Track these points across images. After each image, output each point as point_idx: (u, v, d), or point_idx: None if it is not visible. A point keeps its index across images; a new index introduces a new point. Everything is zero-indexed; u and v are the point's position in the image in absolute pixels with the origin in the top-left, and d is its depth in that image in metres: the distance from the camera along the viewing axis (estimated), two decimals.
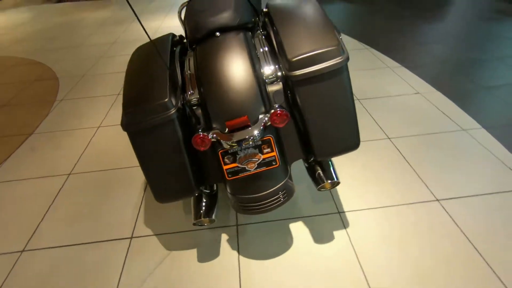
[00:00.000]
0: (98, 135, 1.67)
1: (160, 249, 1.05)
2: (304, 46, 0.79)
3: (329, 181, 0.87)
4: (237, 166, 0.79)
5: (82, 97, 2.08)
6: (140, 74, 0.88)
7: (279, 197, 0.83)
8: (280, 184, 0.82)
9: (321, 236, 1.05)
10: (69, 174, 1.41)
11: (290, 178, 0.87)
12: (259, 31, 0.99)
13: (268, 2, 1.06)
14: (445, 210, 1.11)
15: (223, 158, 0.78)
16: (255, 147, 0.78)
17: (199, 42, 0.89)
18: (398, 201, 1.16)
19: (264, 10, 1.03)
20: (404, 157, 1.36)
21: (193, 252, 1.03)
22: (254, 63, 0.82)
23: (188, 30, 0.94)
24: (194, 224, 0.88)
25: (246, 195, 0.82)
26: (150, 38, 0.76)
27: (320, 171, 0.90)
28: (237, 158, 0.78)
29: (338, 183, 0.89)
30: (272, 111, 0.75)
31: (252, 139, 0.75)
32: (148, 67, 0.89)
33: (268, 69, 0.85)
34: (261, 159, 0.79)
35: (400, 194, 1.19)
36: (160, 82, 0.82)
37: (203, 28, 0.87)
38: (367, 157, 1.38)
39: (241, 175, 0.80)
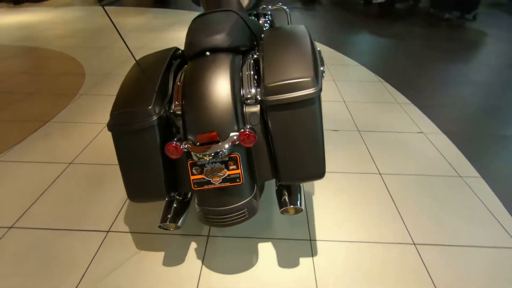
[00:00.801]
0: (105, 131, 1.78)
1: (131, 247, 1.10)
2: (281, 74, 0.83)
3: (292, 206, 0.89)
4: (203, 178, 0.83)
5: (101, 94, 2.23)
6: (135, 80, 0.96)
7: (239, 214, 0.86)
8: (242, 202, 0.85)
9: (287, 260, 1.06)
10: (70, 163, 1.52)
11: (256, 197, 0.90)
12: (251, 55, 1.04)
13: (266, 29, 1.13)
14: (420, 255, 1.07)
15: (191, 169, 0.83)
16: (222, 162, 0.82)
17: (191, 58, 0.96)
18: (373, 238, 1.14)
19: (262, 35, 1.10)
20: (391, 195, 1.34)
21: (161, 255, 1.07)
22: (234, 84, 0.87)
23: (184, 46, 1.02)
24: (159, 226, 0.93)
25: (209, 207, 0.86)
26: (132, 55, 0.84)
27: (286, 195, 0.92)
28: (204, 170, 0.83)
29: (300, 209, 0.91)
30: (242, 130, 0.79)
31: (220, 154, 0.79)
32: (142, 75, 0.97)
33: (249, 91, 0.90)
34: (226, 175, 0.82)
35: (377, 231, 1.17)
36: (149, 90, 0.89)
37: (195, 47, 0.94)
38: (353, 189, 1.37)
39: (206, 187, 0.83)
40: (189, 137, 0.84)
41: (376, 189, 1.37)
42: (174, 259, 1.06)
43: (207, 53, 0.93)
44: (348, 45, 3.45)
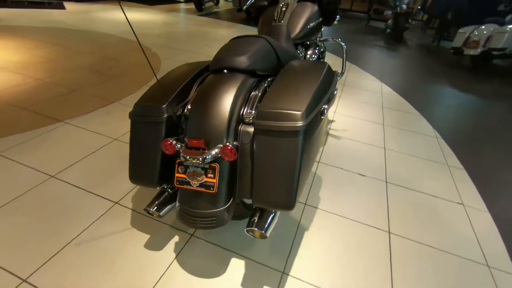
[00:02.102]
0: None
1: (126, 222, 1.24)
2: (276, 102, 0.87)
3: (257, 229, 0.90)
4: (185, 178, 0.91)
5: None
6: (167, 81, 1.11)
7: (208, 220, 0.91)
8: (213, 210, 0.90)
9: (251, 283, 1.05)
10: (115, 139, 1.78)
11: (228, 210, 0.94)
12: (269, 80, 1.10)
13: (293, 60, 1.18)
14: None
15: (177, 167, 0.92)
16: (203, 168, 0.89)
17: (212, 72, 1.07)
18: None
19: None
20: (391, 258, 1.22)
21: (145, 237, 1.18)
22: (235, 102, 0.94)
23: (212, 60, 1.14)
24: (144, 209, 1.04)
25: (184, 205, 0.94)
26: (145, 55, 0.98)
27: (257, 217, 0.93)
28: (187, 171, 0.91)
29: (265, 236, 0.91)
30: (225, 145, 0.85)
31: (201, 160, 0.87)
32: (174, 78, 1.11)
33: (249, 112, 0.96)
34: (203, 180, 0.89)
35: None
36: (170, 92, 1.03)
37: (216, 64, 1.04)
38: (352, 238, 1.28)
39: (185, 186, 0.91)
40: (185, 139, 0.94)
41: (377, 247, 1.26)
42: (154, 244, 1.16)
43: (225, 70, 1.03)
44: (417, 93, 3.22)
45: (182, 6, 7.29)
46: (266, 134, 0.86)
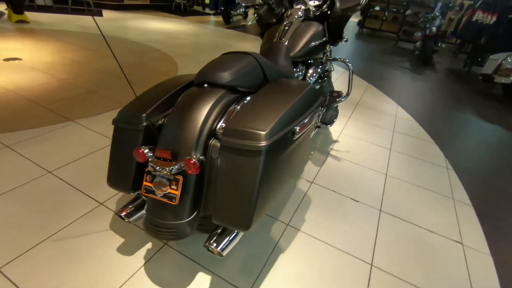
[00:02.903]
0: None
1: (106, 224, 1.27)
2: (244, 120, 0.87)
3: (213, 246, 0.89)
4: (151, 187, 0.93)
5: None
6: (154, 91, 1.15)
7: (168, 231, 0.91)
8: (174, 222, 0.91)
9: None
10: None
11: (191, 224, 0.93)
12: (250, 96, 1.10)
13: (278, 79, 1.18)
14: None
15: (146, 175, 0.94)
16: (168, 179, 0.90)
17: (195, 85, 1.09)
18: None
19: None
20: None
21: (120, 241, 1.20)
22: (208, 117, 0.95)
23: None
24: (115, 213, 1.06)
25: (149, 213, 0.95)
26: (120, 66, 1.02)
27: (216, 234, 0.92)
28: (154, 180, 0.93)
29: (220, 255, 0.89)
30: (188, 158, 0.86)
31: (166, 171, 0.88)
32: (161, 89, 1.15)
33: (222, 127, 0.96)
34: (166, 191, 0.90)
35: None
36: (153, 102, 1.06)
37: (199, 77, 1.06)
38: (330, 266, 1.22)
39: (150, 195, 0.93)
40: (157, 148, 0.96)
41: (355, 279, 1.19)
42: (127, 248, 1.17)
43: (206, 85, 1.05)
44: (435, 119, 3.07)
45: (212, 18, 7.57)
46: (230, 151, 0.85)
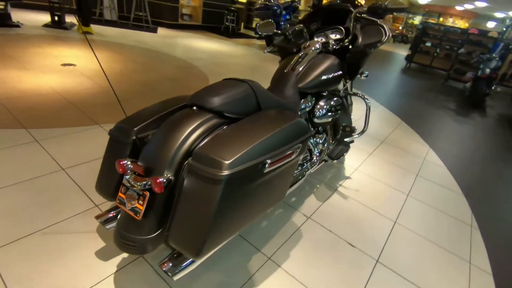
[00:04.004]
0: None
1: (93, 227, 1.34)
2: (215, 146, 0.88)
3: (167, 267, 0.88)
4: (123, 199, 0.97)
5: None
6: (151, 108, 1.21)
7: (130, 245, 0.93)
8: (136, 236, 0.92)
9: None
10: None
11: (154, 241, 0.94)
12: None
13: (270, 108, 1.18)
14: None
15: (122, 187, 0.98)
16: (138, 193, 0.93)
17: (187, 106, 1.14)
18: None
19: None
20: None
21: (101, 245, 1.25)
22: (187, 138, 0.97)
23: None
24: (94, 216, 1.11)
25: (118, 223, 0.98)
26: (110, 83, 1.08)
27: (175, 255, 0.91)
28: (127, 193, 0.96)
29: (171, 276, 0.88)
30: (156, 177, 0.88)
31: (137, 186, 0.91)
32: (158, 106, 1.21)
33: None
34: (134, 205, 0.93)
35: None
36: (147, 118, 1.13)
37: (191, 99, 1.10)
38: None
39: (121, 206, 0.97)
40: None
41: None
42: (104, 253, 1.22)
43: (194, 107, 1.09)
44: (471, 170, 2.78)
45: (257, 42, 7.90)
46: (194, 175, 0.86)
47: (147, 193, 0.91)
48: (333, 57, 1.71)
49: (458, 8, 18.34)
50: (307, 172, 1.60)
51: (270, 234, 1.49)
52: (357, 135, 1.96)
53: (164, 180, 0.89)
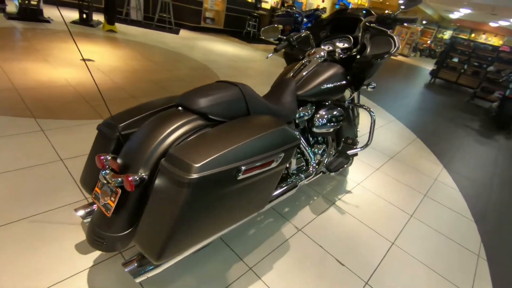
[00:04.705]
0: None
1: (80, 218, 1.35)
2: (186, 148, 0.85)
3: (130, 268, 0.86)
4: (99, 194, 0.96)
5: None
6: (141, 106, 1.21)
7: (98, 240, 0.92)
8: (105, 232, 0.91)
9: None
10: None
11: (123, 240, 0.93)
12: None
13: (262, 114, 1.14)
14: None
15: (99, 181, 0.98)
16: (111, 190, 0.92)
17: (174, 106, 1.12)
18: None
19: None
20: None
21: (82, 237, 1.26)
22: (165, 138, 0.95)
23: None
24: (74, 209, 1.12)
25: (92, 218, 0.98)
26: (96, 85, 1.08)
27: (139, 257, 0.89)
28: (102, 188, 0.96)
29: (133, 278, 0.85)
30: (127, 175, 0.87)
31: (111, 181, 0.90)
32: (148, 105, 1.21)
33: None
34: (106, 201, 0.92)
35: None
36: (134, 115, 1.12)
37: (178, 99, 1.09)
38: None
39: (95, 200, 0.96)
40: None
41: None
42: (83, 247, 1.22)
43: (180, 108, 1.07)
44: (485, 194, 2.60)
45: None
46: (164, 176, 0.84)
47: (119, 190, 0.90)
48: (337, 66, 1.66)
49: (492, 24, 17.57)
50: (300, 183, 1.54)
51: (255, 243, 1.45)
52: (359, 149, 1.88)
53: (137, 179, 0.88)
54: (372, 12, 1.78)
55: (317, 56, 1.68)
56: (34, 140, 1.81)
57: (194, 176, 0.78)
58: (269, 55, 1.84)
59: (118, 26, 5.64)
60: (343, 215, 1.81)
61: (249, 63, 5.30)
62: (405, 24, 1.62)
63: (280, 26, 1.88)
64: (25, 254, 1.14)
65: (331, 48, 1.80)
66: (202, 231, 0.88)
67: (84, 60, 2.64)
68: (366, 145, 1.85)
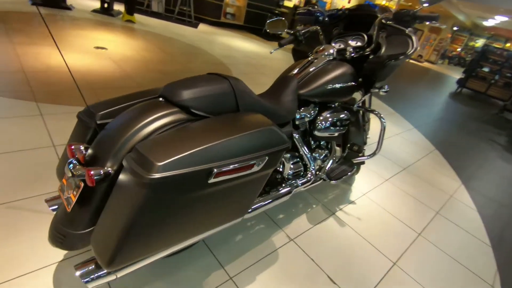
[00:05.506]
0: None
1: None
2: (154, 145, 0.76)
3: (81, 272, 0.78)
4: (64, 185, 0.89)
5: None
6: (127, 96, 1.13)
7: (58, 236, 0.84)
8: (65, 228, 0.84)
9: None
10: None
11: (83, 238, 0.85)
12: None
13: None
14: None
15: (65, 174, 0.91)
16: (75, 183, 0.85)
17: (157, 97, 1.04)
18: None
19: None
20: None
21: None
22: (139, 130, 0.86)
23: None
24: (45, 199, 1.06)
25: (56, 212, 0.91)
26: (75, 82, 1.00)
27: (94, 264, 0.81)
28: (68, 180, 0.88)
29: (84, 283, 0.77)
30: (89, 168, 0.78)
31: (75, 174, 0.82)
32: (133, 95, 1.13)
33: None
34: (69, 195, 0.85)
35: None
36: (115, 105, 1.04)
37: (161, 90, 1.00)
38: None
39: (60, 192, 0.89)
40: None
41: None
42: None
43: (161, 98, 0.99)
44: (507, 218, 2.36)
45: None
46: (125, 173, 0.75)
47: (82, 184, 0.82)
48: (346, 66, 1.52)
49: None
50: (295, 189, 1.42)
51: (241, 250, 1.34)
52: (366, 157, 1.73)
53: (101, 173, 0.79)
54: (390, 9, 1.63)
55: (325, 53, 1.55)
56: (31, 124, 1.79)
57: (154, 176, 0.68)
58: (273, 50, 1.72)
59: (139, 17, 5.67)
60: (342, 227, 1.67)
61: (265, 61, 5.18)
62: (427, 22, 1.45)
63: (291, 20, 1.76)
64: (3, 241, 1.09)
65: (342, 46, 1.66)
66: (163, 239, 0.79)
67: (99, 48, 2.62)
68: (374, 153, 1.70)
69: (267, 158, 0.92)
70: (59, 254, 1.11)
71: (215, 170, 0.78)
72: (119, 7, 5.93)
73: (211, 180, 0.79)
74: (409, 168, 2.67)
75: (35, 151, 1.59)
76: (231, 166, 0.81)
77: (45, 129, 1.78)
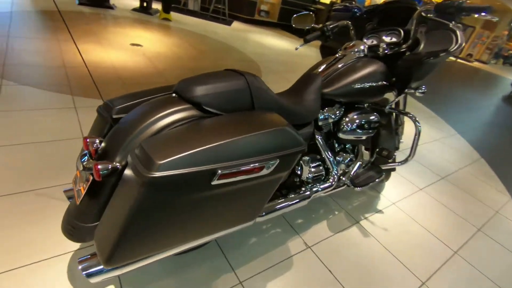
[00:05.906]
0: None
1: None
2: (159, 143, 0.74)
3: (83, 266, 0.77)
4: (77, 177, 0.90)
5: None
6: (145, 91, 1.13)
7: (68, 226, 0.86)
8: (75, 220, 0.85)
9: None
10: None
11: (90, 231, 0.85)
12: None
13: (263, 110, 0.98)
14: None
15: (81, 165, 0.92)
16: (86, 176, 0.86)
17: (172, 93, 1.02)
18: None
19: None
20: None
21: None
22: (149, 125, 0.85)
23: None
24: (63, 190, 1.09)
25: (69, 203, 0.93)
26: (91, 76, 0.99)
27: (94, 261, 0.80)
28: (81, 171, 0.90)
29: (85, 277, 0.77)
30: (97, 162, 0.78)
31: (86, 166, 0.83)
32: (150, 90, 1.12)
33: None
34: (79, 188, 0.86)
35: None
36: (132, 100, 1.05)
37: (176, 86, 0.98)
38: None
39: (74, 184, 0.90)
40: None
41: None
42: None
43: (174, 94, 0.96)
44: None
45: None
46: (129, 170, 0.74)
47: (91, 178, 0.83)
48: (378, 64, 1.40)
49: None
50: (314, 195, 1.34)
51: (254, 254, 1.30)
52: (397, 163, 1.59)
53: (109, 167, 0.79)
54: (432, 1, 1.46)
55: (355, 50, 1.44)
56: (64, 116, 1.90)
57: (154, 175, 0.66)
58: (298, 47, 1.63)
59: (175, 15, 5.84)
60: (366, 238, 1.55)
61: (297, 59, 5.06)
62: (475, 15, 1.28)
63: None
64: (15, 228, 1.15)
65: (375, 42, 1.53)
66: (166, 239, 0.76)
67: (135, 45, 2.72)
68: (406, 160, 1.55)
69: (278, 160, 0.85)
70: (75, 245, 1.15)
71: (219, 171, 0.73)
72: (157, 5, 6.16)
73: (215, 182, 0.74)
74: (448, 177, 2.43)
75: (64, 142, 1.67)
76: (237, 168, 0.76)
77: (76, 121, 1.87)
